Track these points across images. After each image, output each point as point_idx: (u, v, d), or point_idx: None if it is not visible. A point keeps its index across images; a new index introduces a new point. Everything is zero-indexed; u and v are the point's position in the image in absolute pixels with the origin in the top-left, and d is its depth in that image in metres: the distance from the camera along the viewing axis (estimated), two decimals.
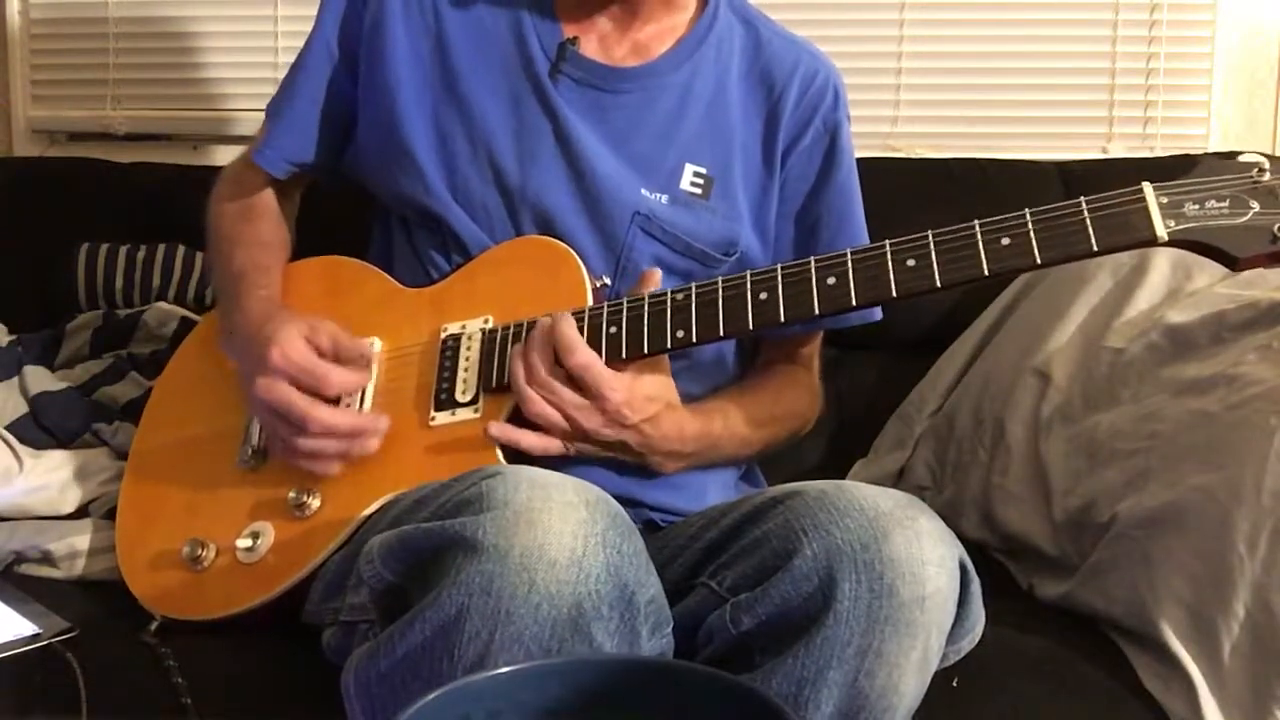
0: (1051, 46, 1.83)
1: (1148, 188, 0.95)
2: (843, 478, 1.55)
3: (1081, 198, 0.95)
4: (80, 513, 1.30)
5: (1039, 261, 0.94)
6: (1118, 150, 1.82)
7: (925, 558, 0.83)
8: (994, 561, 1.36)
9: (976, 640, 0.93)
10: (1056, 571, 1.27)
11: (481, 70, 1.18)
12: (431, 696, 0.65)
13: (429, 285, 1.16)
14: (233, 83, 1.96)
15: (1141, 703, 1.06)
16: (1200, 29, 1.81)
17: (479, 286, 1.12)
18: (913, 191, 1.60)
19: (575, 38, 1.18)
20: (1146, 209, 0.94)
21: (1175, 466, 1.14)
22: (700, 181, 1.17)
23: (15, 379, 1.41)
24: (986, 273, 0.95)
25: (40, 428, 1.35)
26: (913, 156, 1.81)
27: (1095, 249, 0.94)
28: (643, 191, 1.15)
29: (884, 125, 1.85)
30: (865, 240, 1.21)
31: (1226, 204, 0.94)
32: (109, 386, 1.44)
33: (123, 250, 1.67)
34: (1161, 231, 0.93)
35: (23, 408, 1.37)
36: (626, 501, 1.11)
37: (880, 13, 1.85)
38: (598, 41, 1.20)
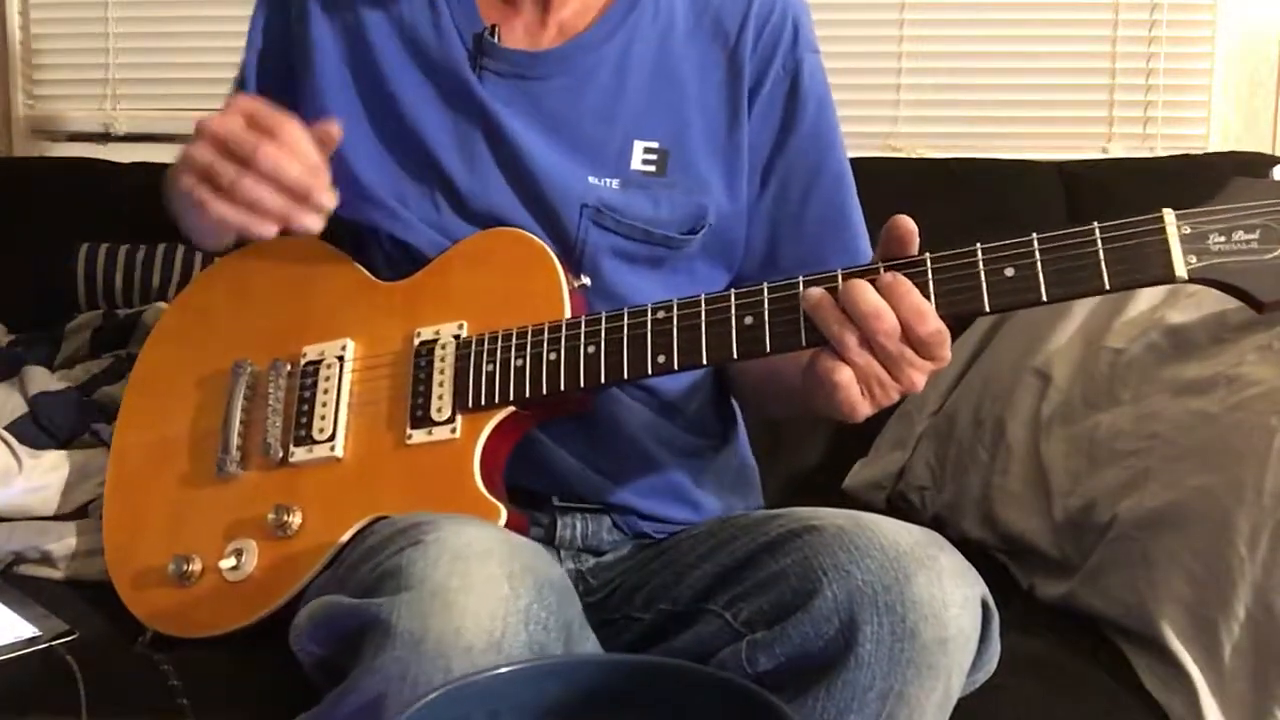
0: (1051, 46, 1.84)
1: (1169, 216, 0.83)
2: (843, 478, 1.56)
3: (1095, 225, 0.85)
4: (80, 513, 1.29)
5: (1045, 299, 0.85)
6: (1118, 150, 1.82)
7: (948, 599, 0.81)
8: (994, 561, 1.36)
9: (991, 672, 0.91)
10: (1057, 572, 1.27)
11: (407, 70, 1.11)
12: (431, 696, 0.65)
13: (400, 280, 1.11)
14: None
15: (1141, 703, 1.06)
16: (1200, 29, 1.81)
17: (453, 284, 1.07)
18: (913, 191, 1.59)
19: (494, 26, 1.10)
20: (1165, 241, 0.83)
21: (1175, 467, 1.14)
22: (653, 158, 1.09)
23: (15, 379, 1.41)
24: (988, 309, 0.87)
25: (40, 428, 1.34)
26: (913, 156, 1.81)
27: (1107, 287, 0.84)
28: (590, 180, 1.07)
29: (884, 125, 1.85)
30: (848, 199, 1.14)
31: (1256, 236, 0.82)
32: (109, 386, 1.44)
33: (123, 250, 1.67)
34: (1181, 269, 0.82)
35: (22, 408, 1.37)
36: (619, 509, 1.09)
37: (880, 13, 1.86)
38: (522, 28, 1.11)
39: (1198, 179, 1.62)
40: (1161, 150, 1.80)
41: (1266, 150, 1.80)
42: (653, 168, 1.08)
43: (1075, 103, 1.84)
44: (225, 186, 0.94)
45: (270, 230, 0.95)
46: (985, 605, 0.86)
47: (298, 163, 0.94)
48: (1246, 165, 1.63)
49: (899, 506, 1.52)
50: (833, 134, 1.15)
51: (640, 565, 1.07)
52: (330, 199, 0.96)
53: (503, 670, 0.68)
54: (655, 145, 1.09)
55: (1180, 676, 1.05)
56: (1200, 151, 1.74)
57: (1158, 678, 1.08)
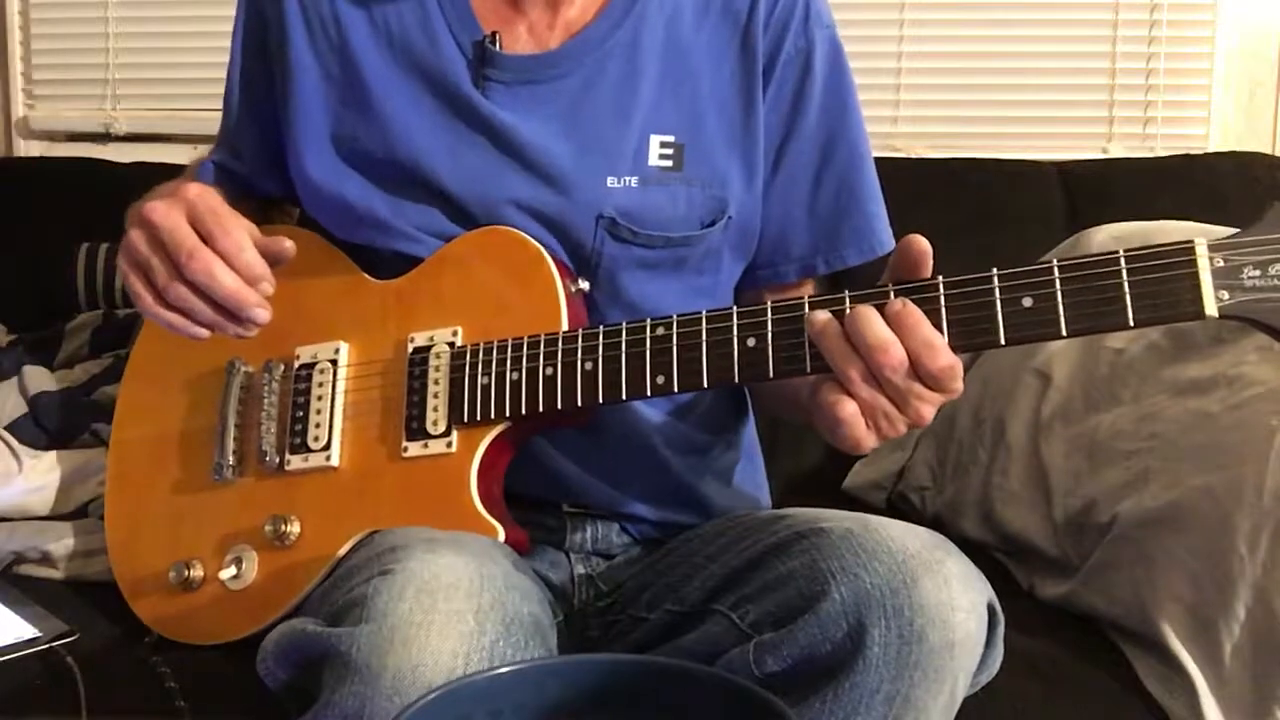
0: (1051, 46, 1.84)
1: (1200, 247, 0.77)
2: (843, 478, 1.56)
3: (1120, 252, 0.79)
4: (80, 513, 1.30)
5: (1064, 333, 0.80)
6: (1118, 150, 1.82)
7: (955, 603, 0.81)
8: (994, 561, 1.35)
9: (994, 674, 0.91)
10: (1057, 572, 1.27)
11: (398, 83, 1.05)
12: (432, 696, 0.65)
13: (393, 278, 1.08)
14: None
15: (1141, 703, 1.06)
16: (1200, 29, 1.81)
17: (447, 286, 1.04)
18: (913, 191, 1.59)
19: (495, 33, 1.04)
20: (1195, 275, 0.77)
21: (1176, 467, 1.14)
22: (670, 152, 1.04)
23: (15, 379, 1.41)
24: (1004, 342, 0.82)
25: (40, 428, 1.34)
26: (913, 156, 1.81)
27: (1131, 323, 0.79)
28: (610, 181, 1.02)
29: (884, 125, 1.85)
30: (862, 183, 1.09)
31: None
32: (109, 386, 1.43)
33: None
34: (1211, 307, 0.77)
35: (22, 408, 1.37)
36: (627, 518, 1.09)
37: (880, 13, 1.86)
38: (526, 32, 1.06)
39: (1198, 179, 1.62)
40: (1161, 150, 1.80)
41: (1266, 150, 1.80)
42: (669, 162, 1.04)
43: (1075, 103, 1.84)
44: (159, 287, 0.92)
45: (202, 334, 0.93)
46: (991, 610, 0.85)
47: (232, 274, 0.91)
48: (1246, 165, 1.63)
49: (899, 507, 1.52)
50: (845, 115, 1.10)
51: (646, 566, 1.06)
52: (265, 315, 0.92)
53: (503, 670, 0.68)
54: (670, 139, 1.04)
55: (1180, 676, 1.05)
56: (1200, 151, 1.74)
57: (1158, 678, 1.07)
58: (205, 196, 0.93)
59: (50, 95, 2.06)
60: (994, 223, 1.62)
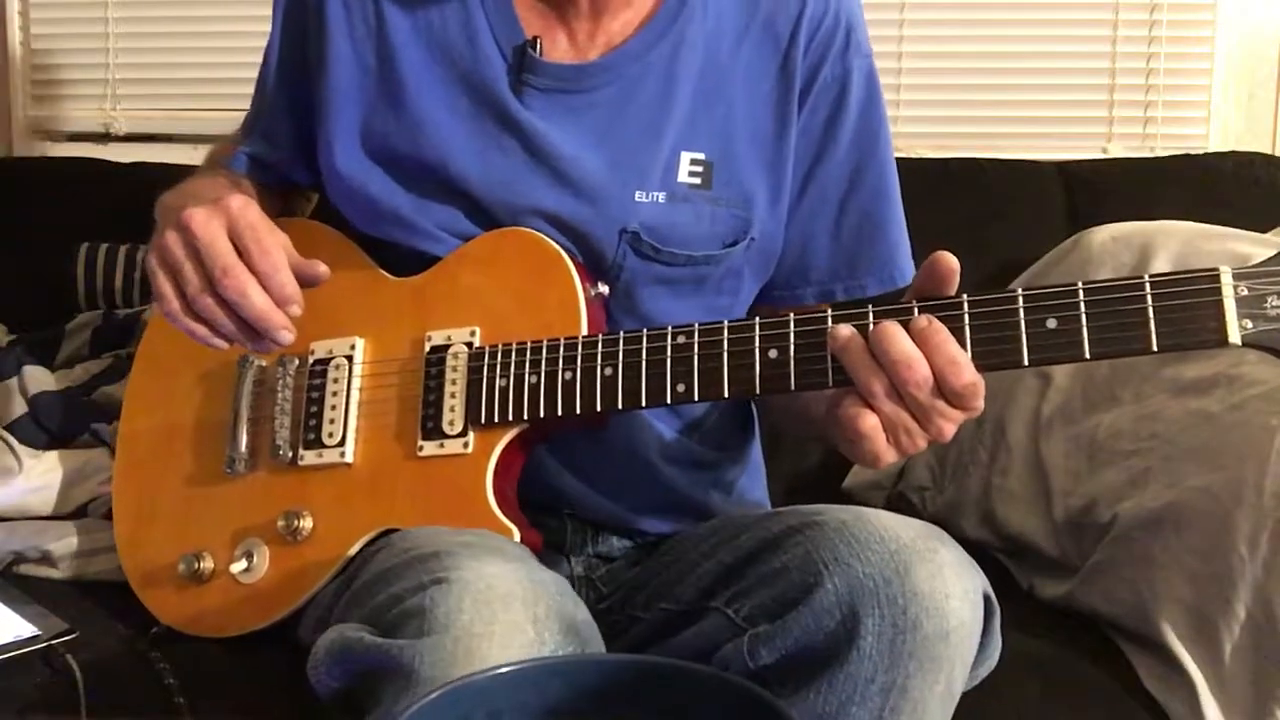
0: (1051, 46, 1.84)
1: (1226, 275, 0.78)
2: (843, 478, 1.56)
3: (1146, 276, 0.80)
4: (80, 513, 1.30)
5: (1088, 356, 0.81)
6: (1118, 150, 1.82)
7: (949, 591, 0.81)
8: (994, 561, 1.36)
9: (993, 667, 0.91)
10: (1057, 572, 1.27)
11: (435, 83, 1.05)
12: (432, 696, 0.65)
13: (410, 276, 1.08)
14: (233, 83, 1.96)
15: (1141, 703, 1.07)
16: (1200, 29, 1.81)
17: (465, 286, 1.04)
18: (913, 191, 1.59)
19: (536, 38, 1.04)
20: (1220, 303, 0.78)
21: (1176, 467, 1.14)
22: (699, 169, 1.04)
23: (15, 379, 1.41)
24: (1027, 363, 0.83)
25: (40, 428, 1.35)
26: (913, 156, 1.81)
27: (1155, 348, 0.80)
28: (638, 195, 1.03)
29: None
30: (887, 211, 1.09)
31: None
32: (109, 386, 1.44)
33: (122, 250, 1.67)
34: (1235, 335, 0.78)
35: (22, 408, 1.37)
36: (627, 531, 1.09)
37: (880, 13, 1.85)
38: (566, 41, 1.06)
39: (1197, 179, 1.62)
40: (1161, 150, 1.80)
41: (1266, 150, 1.80)
42: (698, 180, 1.04)
43: (1075, 103, 1.84)
44: (188, 295, 0.92)
45: (221, 345, 0.94)
46: (987, 599, 0.85)
47: (264, 295, 0.91)
48: (1246, 165, 1.63)
49: (899, 507, 1.52)
50: (876, 144, 1.10)
51: (644, 567, 1.06)
52: (289, 338, 0.93)
53: (504, 670, 0.68)
54: (701, 156, 1.05)
55: (1180, 676, 1.06)
56: (1200, 151, 1.74)
57: (1158, 678, 1.08)
58: (247, 211, 0.92)
59: (50, 95, 2.06)
60: (994, 223, 1.62)
